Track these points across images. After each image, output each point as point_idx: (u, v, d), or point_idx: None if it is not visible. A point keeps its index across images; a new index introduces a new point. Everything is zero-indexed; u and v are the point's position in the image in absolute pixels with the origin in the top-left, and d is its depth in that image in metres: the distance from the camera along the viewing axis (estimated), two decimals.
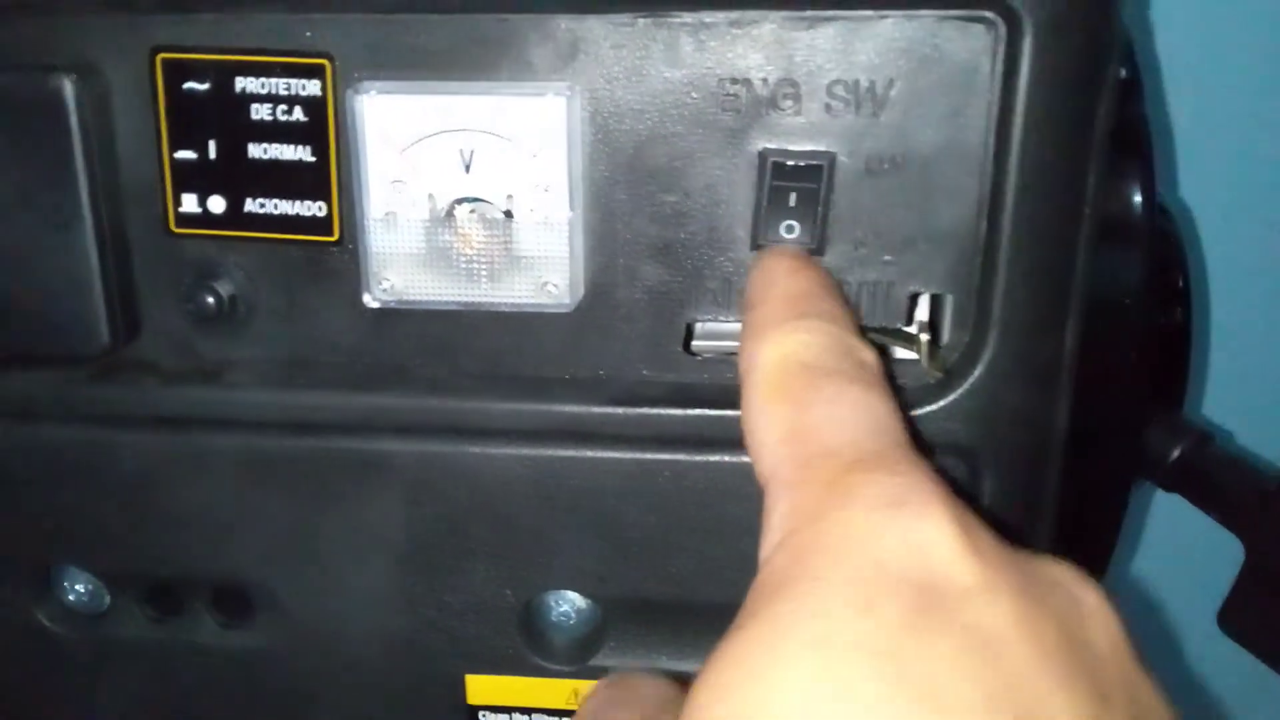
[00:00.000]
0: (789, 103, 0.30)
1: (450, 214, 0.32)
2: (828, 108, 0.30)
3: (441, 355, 0.34)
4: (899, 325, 0.32)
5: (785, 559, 0.22)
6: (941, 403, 0.32)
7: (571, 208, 0.31)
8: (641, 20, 0.30)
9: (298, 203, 0.32)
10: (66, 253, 0.32)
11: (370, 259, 0.32)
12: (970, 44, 0.30)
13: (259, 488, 0.35)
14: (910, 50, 0.30)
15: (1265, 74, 0.57)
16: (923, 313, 0.33)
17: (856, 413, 0.24)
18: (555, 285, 0.32)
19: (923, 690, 0.19)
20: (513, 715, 0.38)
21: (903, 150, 0.30)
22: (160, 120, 0.32)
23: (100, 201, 0.32)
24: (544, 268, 0.32)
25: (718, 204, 0.31)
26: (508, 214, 0.32)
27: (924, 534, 0.21)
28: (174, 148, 0.32)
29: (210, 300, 0.33)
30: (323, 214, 0.32)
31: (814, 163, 0.30)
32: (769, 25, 0.30)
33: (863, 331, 0.29)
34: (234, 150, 0.32)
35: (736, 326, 0.33)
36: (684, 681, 0.31)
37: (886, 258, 0.32)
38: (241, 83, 0.31)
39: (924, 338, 0.32)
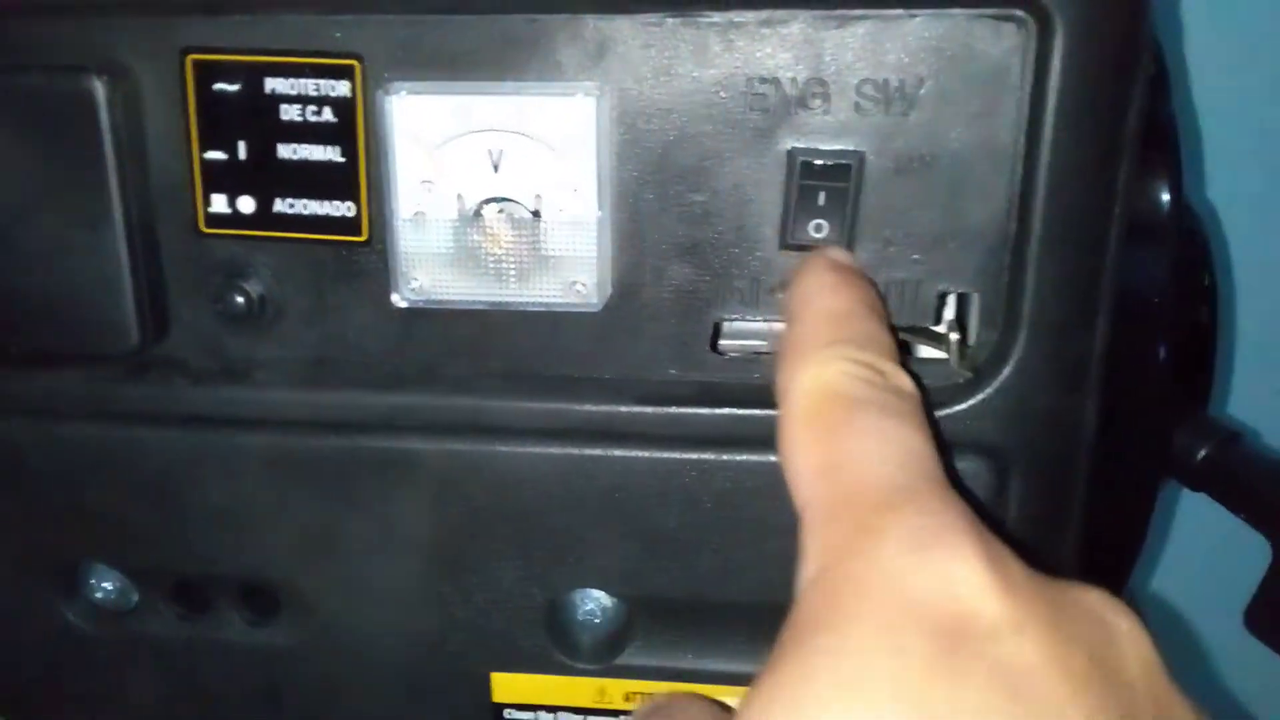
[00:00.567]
0: (818, 102, 0.30)
1: (479, 214, 0.32)
2: (857, 107, 0.30)
3: (469, 355, 0.34)
4: (928, 324, 0.32)
5: (817, 598, 0.23)
6: (970, 402, 0.32)
7: (600, 207, 0.31)
8: (670, 20, 0.30)
9: (327, 203, 0.32)
10: (97, 252, 0.33)
11: (399, 259, 0.33)
12: (1001, 43, 0.29)
13: (287, 486, 0.35)
14: (940, 49, 0.29)
15: None
16: (951, 311, 0.32)
17: (890, 448, 0.25)
18: (583, 285, 0.32)
19: None
20: (538, 714, 0.38)
21: (932, 149, 0.30)
22: (190, 121, 0.32)
23: (130, 201, 0.32)
24: (572, 267, 0.32)
25: (746, 203, 0.31)
26: (536, 214, 0.32)
27: (953, 573, 0.22)
28: (204, 148, 0.32)
29: (239, 300, 0.33)
30: (352, 214, 0.32)
31: (843, 162, 0.30)
32: (798, 24, 0.30)
33: (894, 332, 0.29)
34: (264, 151, 0.32)
35: (764, 326, 0.33)
36: (729, 709, 0.31)
37: (915, 256, 0.31)
38: (271, 83, 0.32)
39: (953, 336, 0.32)
